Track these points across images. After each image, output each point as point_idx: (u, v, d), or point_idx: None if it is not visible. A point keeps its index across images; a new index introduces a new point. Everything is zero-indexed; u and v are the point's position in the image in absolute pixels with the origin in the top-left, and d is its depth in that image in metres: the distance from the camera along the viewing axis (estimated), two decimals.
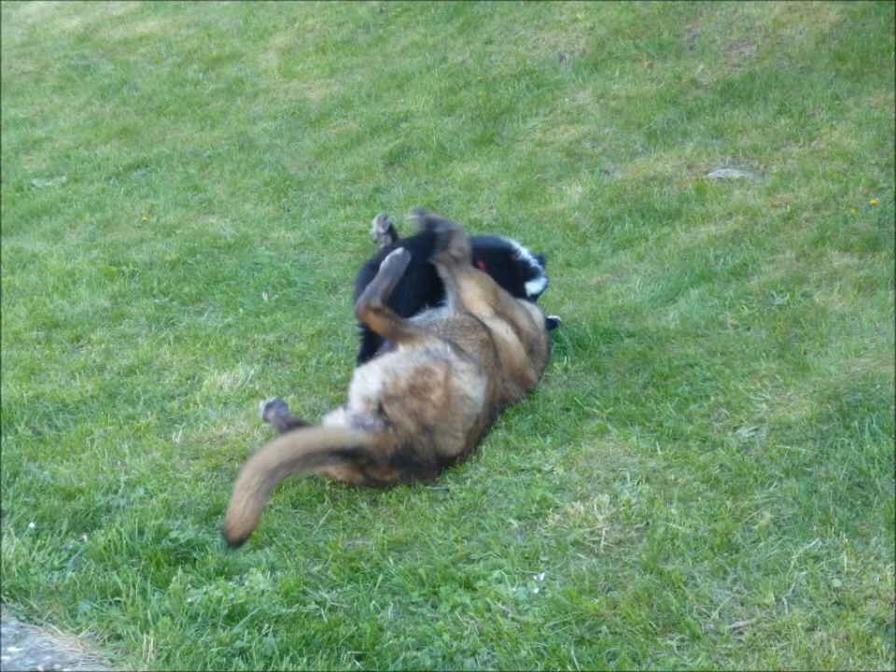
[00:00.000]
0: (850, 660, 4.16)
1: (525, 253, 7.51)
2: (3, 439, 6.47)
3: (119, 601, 4.80)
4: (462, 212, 10.24)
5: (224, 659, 4.38)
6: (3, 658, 4.39)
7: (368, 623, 4.56)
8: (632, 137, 10.81)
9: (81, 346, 7.92)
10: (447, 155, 11.41)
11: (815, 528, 4.97)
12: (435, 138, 11.73)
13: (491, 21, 13.78)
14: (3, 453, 6.26)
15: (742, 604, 4.56)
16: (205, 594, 4.79)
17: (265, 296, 8.72)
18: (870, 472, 5.33)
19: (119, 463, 6.16)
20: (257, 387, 7.03)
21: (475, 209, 10.31)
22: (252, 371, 7.20)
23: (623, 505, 5.32)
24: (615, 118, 11.20)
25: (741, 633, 4.40)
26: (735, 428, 6.00)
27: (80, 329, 8.15)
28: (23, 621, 4.72)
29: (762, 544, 4.91)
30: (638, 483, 5.51)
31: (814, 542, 4.86)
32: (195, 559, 5.12)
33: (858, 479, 5.32)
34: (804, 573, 4.66)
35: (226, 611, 4.68)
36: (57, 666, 4.34)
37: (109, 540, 5.22)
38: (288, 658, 4.36)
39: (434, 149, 11.55)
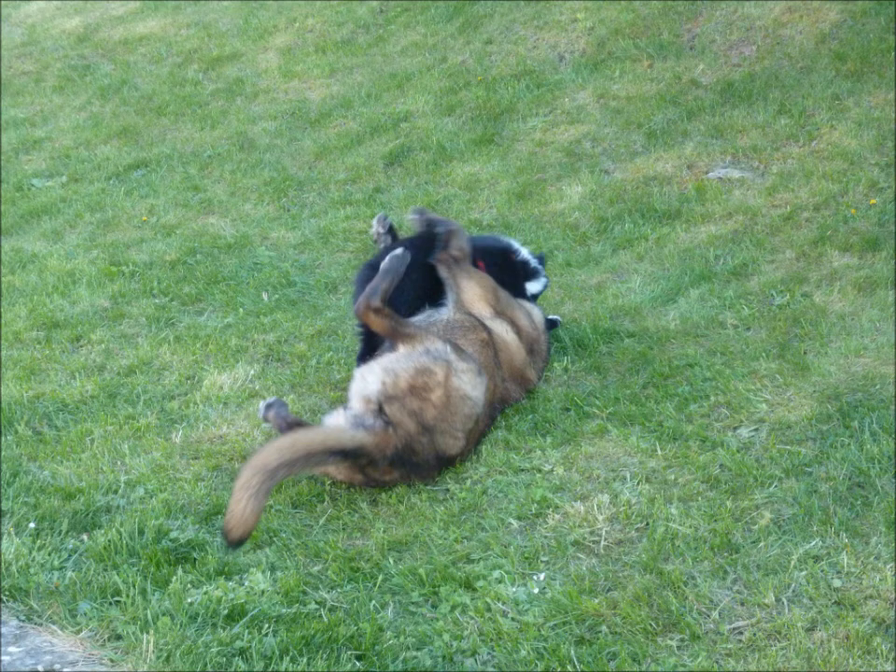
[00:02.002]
0: (850, 660, 4.16)
1: (525, 253, 7.51)
2: (3, 439, 6.48)
3: (119, 601, 4.81)
4: (462, 212, 10.23)
5: (224, 659, 4.39)
6: (3, 658, 4.40)
7: (368, 623, 4.57)
8: (632, 137, 10.81)
9: (81, 346, 7.92)
10: (447, 155, 11.41)
11: (815, 528, 4.97)
12: (435, 138, 11.73)
13: (491, 21, 13.77)
14: (3, 453, 6.27)
15: (742, 604, 4.56)
16: (205, 594, 4.80)
17: (265, 296, 8.73)
18: (870, 472, 5.33)
19: (118, 463, 6.17)
20: (257, 387, 7.04)
21: (475, 209, 10.31)
22: (252, 371, 7.20)
23: (623, 505, 5.32)
24: (615, 118, 11.20)
25: (741, 633, 4.41)
26: (735, 428, 6.01)
27: (80, 328, 8.15)
28: (23, 621, 4.73)
29: (762, 544, 4.91)
30: (638, 483, 5.52)
31: (814, 542, 4.86)
32: (195, 559, 5.12)
33: (858, 479, 5.32)
34: (804, 573, 4.66)
35: (226, 611, 4.68)
36: (57, 666, 4.34)
37: (109, 540, 5.22)
38: (288, 658, 4.36)
39: (434, 149, 11.55)
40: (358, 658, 4.42)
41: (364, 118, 12.70)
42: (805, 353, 6.86)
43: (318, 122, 12.98)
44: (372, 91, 13.25)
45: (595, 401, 6.47)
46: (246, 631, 4.54)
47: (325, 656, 4.38)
